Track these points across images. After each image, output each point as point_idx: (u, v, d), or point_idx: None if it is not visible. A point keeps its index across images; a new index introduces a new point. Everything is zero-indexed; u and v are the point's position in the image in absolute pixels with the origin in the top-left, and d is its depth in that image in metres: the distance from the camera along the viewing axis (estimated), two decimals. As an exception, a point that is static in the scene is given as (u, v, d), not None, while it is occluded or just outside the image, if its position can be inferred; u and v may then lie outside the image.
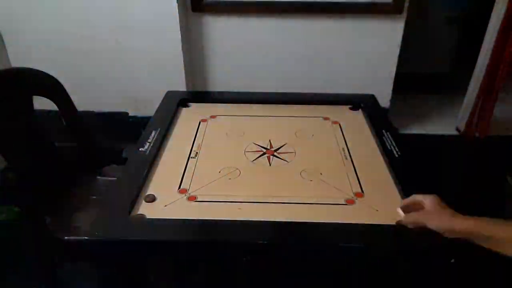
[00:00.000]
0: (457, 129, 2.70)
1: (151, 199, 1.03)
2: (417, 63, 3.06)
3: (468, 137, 2.62)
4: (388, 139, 1.28)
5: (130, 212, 0.98)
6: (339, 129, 1.38)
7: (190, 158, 1.21)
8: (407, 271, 1.06)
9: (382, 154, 1.22)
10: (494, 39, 2.35)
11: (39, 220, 1.24)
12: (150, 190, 1.07)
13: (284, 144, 1.28)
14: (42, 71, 1.37)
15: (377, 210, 1.00)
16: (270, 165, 1.19)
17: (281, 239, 0.94)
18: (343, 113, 1.50)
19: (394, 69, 2.39)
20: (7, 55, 2.33)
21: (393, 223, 0.95)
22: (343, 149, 1.26)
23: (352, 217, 0.98)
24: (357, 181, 1.11)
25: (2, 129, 1.23)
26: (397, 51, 2.33)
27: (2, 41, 2.30)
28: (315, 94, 1.73)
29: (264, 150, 1.25)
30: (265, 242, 0.91)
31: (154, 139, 1.27)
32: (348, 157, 1.22)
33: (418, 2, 2.71)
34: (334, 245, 0.92)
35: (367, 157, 1.22)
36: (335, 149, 1.26)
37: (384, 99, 2.45)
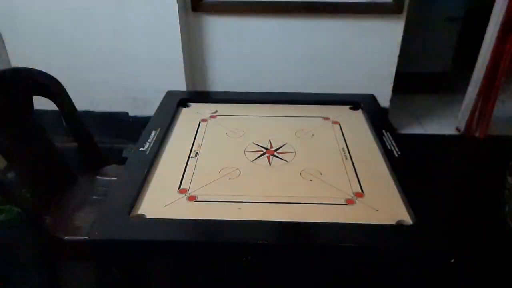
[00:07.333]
0: (457, 129, 2.70)
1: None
2: (417, 63, 3.07)
3: (468, 137, 2.63)
4: (388, 139, 1.28)
5: (130, 212, 0.98)
6: (339, 129, 1.39)
7: (190, 158, 1.21)
8: (407, 271, 1.06)
9: (382, 154, 1.22)
10: (494, 39, 2.35)
11: (39, 220, 1.24)
12: (149, 192, 1.06)
13: (284, 144, 1.28)
14: (42, 71, 1.37)
15: (377, 210, 1.00)
16: (270, 165, 1.19)
17: (281, 239, 0.94)
18: (343, 113, 1.50)
19: (394, 69, 2.40)
20: (7, 55, 2.33)
21: (393, 223, 0.95)
22: (343, 149, 1.26)
23: (352, 217, 0.98)
24: (357, 181, 1.11)
25: (2, 129, 1.23)
26: (397, 51, 2.34)
27: (2, 41, 2.30)
28: (315, 94, 1.73)
29: (264, 150, 1.25)
30: (265, 242, 0.91)
31: (154, 139, 1.27)
32: (348, 157, 1.22)
33: (418, 2, 2.72)
34: (334, 245, 0.92)
35: (367, 157, 1.23)
36: (335, 149, 1.26)
37: (384, 99, 2.45)
